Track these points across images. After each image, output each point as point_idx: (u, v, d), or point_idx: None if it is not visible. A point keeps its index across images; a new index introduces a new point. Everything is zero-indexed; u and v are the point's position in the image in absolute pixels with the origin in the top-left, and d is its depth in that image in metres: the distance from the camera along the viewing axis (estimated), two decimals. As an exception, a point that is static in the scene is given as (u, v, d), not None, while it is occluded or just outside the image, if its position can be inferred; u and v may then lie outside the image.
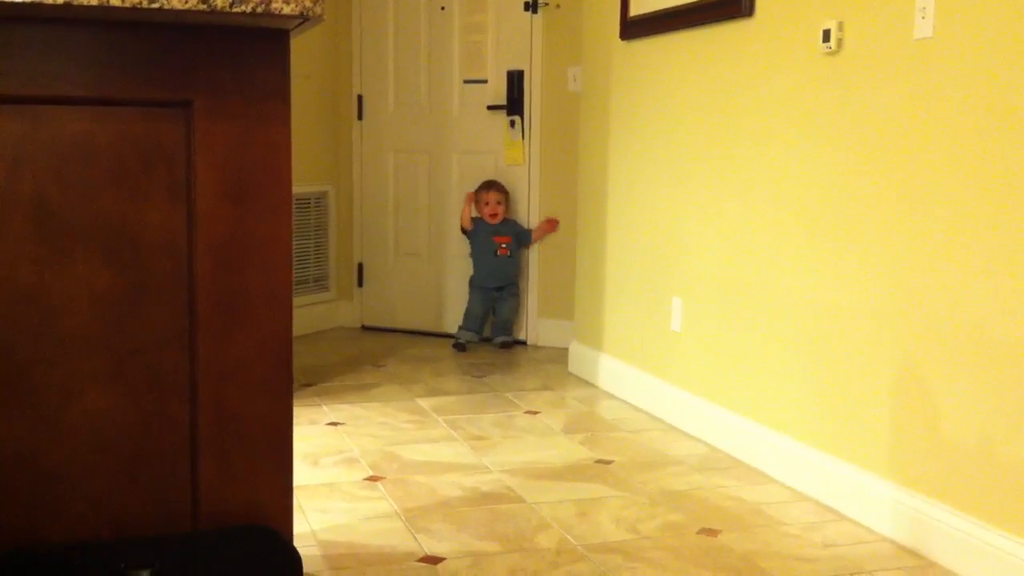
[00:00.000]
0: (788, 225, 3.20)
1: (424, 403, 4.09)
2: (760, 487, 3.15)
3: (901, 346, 2.74)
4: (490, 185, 5.22)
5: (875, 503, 2.81)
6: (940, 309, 2.61)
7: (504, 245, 5.18)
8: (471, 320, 5.20)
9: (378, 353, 5.07)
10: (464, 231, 5.27)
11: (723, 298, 3.54)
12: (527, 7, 5.15)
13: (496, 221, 5.17)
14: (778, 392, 3.26)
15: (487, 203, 5.18)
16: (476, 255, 5.23)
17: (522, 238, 5.23)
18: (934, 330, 2.63)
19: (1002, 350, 2.43)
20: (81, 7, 1.51)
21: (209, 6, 1.55)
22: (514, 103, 5.21)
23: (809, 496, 3.07)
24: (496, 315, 5.25)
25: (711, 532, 2.78)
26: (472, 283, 5.25)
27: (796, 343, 3.17)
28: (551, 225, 5.19)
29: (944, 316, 2.60)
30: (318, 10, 1.60)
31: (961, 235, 2.54)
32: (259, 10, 1.57)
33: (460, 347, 5.13)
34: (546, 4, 5.12)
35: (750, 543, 2.71)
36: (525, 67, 5.19)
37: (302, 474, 3.17)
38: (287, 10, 1.58)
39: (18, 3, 1.49)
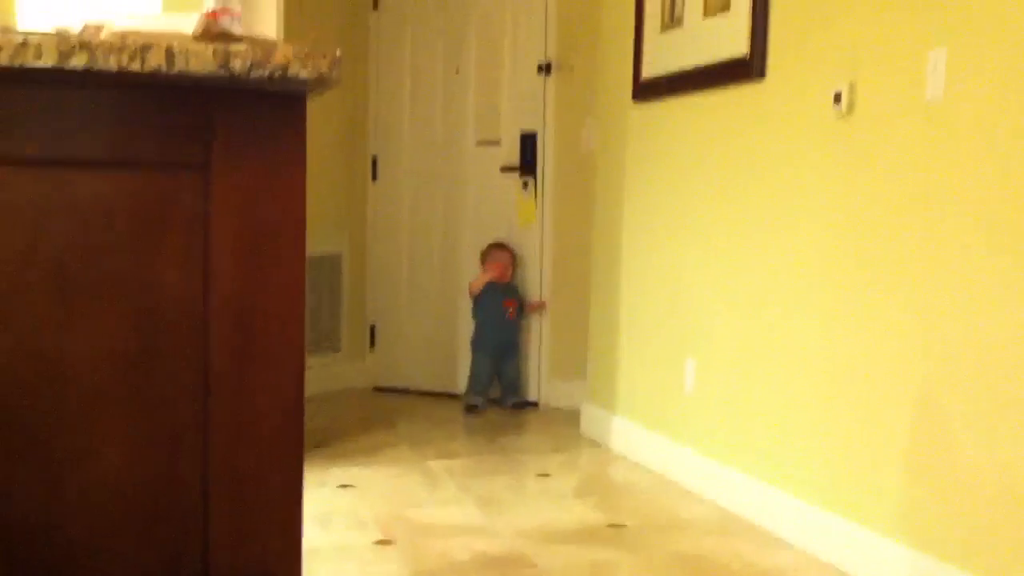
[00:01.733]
0: (802, 286, 3.19)
1: (435, 465, 4.07)
2: (775, 551, 3.11)
3: (918, 408, 2.72)
4: (502, 247, 5.24)
5: (893, 569, 2.77)
6: (958, 370, 2.59)
7: (511, 309, 5.19)
8: (480, 383, 5.17)
9: (389, 414, 5.05)
10: (473, 295, 5.25)
11: (737, 360, 3.53)
12: (540, 69, 5.20)
13: (505, 282, 5.19)
14: (793, 455, 3.23)
15: (497, 266, 5.19)
16: (484, 317, 5.21)
17: (523, 305, 5.27)
18: (952, 390, 2.61)
19: (1022, 411, 2.41)
20: (101, 72, 1.54)
21: (228, 71, 1.57)
22: (527, 164, 5.24)
23: (824, 561, 3.02)
24: (503, 377, 5.23)
25: (726, 598, 2.74)
26: (477, 346, 5.21)
27: (810, 406, 3.14)
28: (540, 306, 5.25)
29: (962, 376, 2.58)
30: (334, 74, 1.62)
31: (977, 294, 2.53)
32: (276, 74, 1.59)
33: (473, 409, 5.10)
34: (559, 66, 5.17)
35: (766, 609, 2.67)
36: (539, 128, 5.23)
37: (312, 536, 3.15)
38: (304, 74, 1.60)
39: (39, 68, 1.51)
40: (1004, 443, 2.45)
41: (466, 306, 5.40)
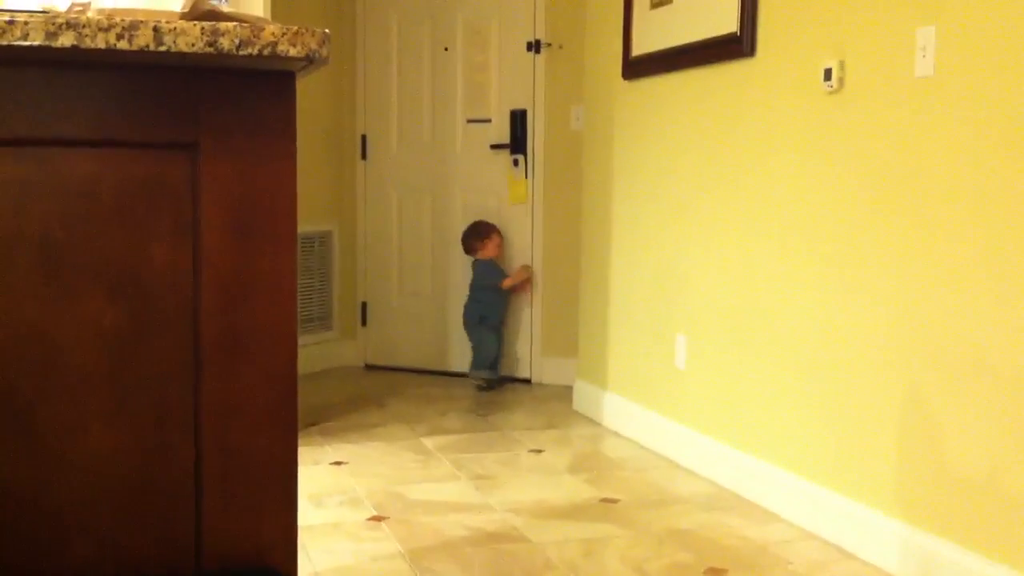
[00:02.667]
0: (791, 262, 3.20)
1: (428, 442, 4.08)
2: (766, 525, 3.14)
3: (908, 382, 2.73)
4: (494, 225, 5.25)
5: (882, 541, 2.79)
6: (946, 343, 2.60)
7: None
8: (490, 358, 5.18)
9: (382, 392, 5.06)
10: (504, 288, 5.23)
11: (727, 335, 3.54)
12: (530, 47, 5.19)
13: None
14: (784, 430, 3.24)
15: (497, 244, 5.21)
16: (502, 297, 5.21)
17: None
18: (941, 365, 2.62)
19: (1010, 384, 2.42)
20: (88, 50, 1.53)
21: (216, 49, 1.56)
22: (517, 142, 5.23)
23: (815, 534, 3.05)
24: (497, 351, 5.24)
25: (718, 572, 2.76)
26: (491, 324, 5.19)
27: (801, 380, 3.16)
28: (528, 273, 5.26)
29: (950, 350, 2.59)
30: (324, 52, 1.62)
31: (965, 269, 2.54)
32: (265, 52, 1.58)
33: (493, 384, 5.12)
34: (548, 44, 5.16)
35: (757, 582, 2.69)
36: (528, 106, 5.22)
37: (306, 514, 3.16)
38: (293, 52, 1.60)
39: (26, 46, 1.51)
40: (989, 416, 2.47)
41: (457, 284, 5.40)
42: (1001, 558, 2.44)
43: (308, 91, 5.33)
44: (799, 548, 2.95)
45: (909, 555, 2.70)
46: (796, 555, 2.89)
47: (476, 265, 5.24)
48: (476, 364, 5.19)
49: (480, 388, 5.12)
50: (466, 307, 5.26)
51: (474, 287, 5.25)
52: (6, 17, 1.49)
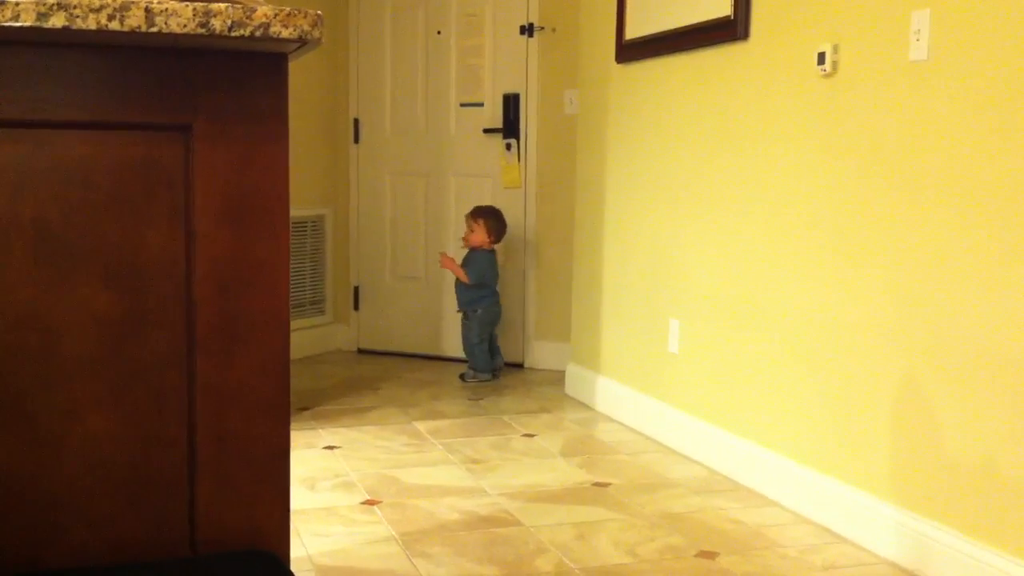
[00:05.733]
0: (785, 246, 3.20)
1: (421, 426, 4.08)
2: (759, 509, 3.14)
3: (902, 366, 2.74)
4: None
5: (876, 525, 2.80)
6: (942, 328, 2.61)
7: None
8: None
9: (375, 376, 5.05)
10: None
11: (720, 320, 3.54)
12: (523, 31, 5.17)
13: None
14: (777, 414, 3.25)
15: None
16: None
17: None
18: (936, 349, 2.63)
19: (1005, 370, 2.43)
20: (79, 31, 1.52)
21: (208, 30, 1.55)
22: (510, 126, 5.22)
23: (809, 518, 3.06)
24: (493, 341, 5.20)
25: (710, 555, 2.77)
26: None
27: (795, 364, 3.16)
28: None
29: (945, 335, 2.60)
30: (316, 34, 1.61)
31: (961, 253, 2.54)
32: (258, 34, 1.57)
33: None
34: (542, 28, 5.14)
35: (749, 566, 2.70)
36: (521, 90, 5.20)
37: (299, 498, 3.16)
38: (286, 34, 1.59)
39: (17, 27, 1.49)
40: (984, 401, 2.47)
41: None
42: (995, 543, 2.45)
43: (301, 74, 5.31)
44: (792, 532, 2.96)
45: (903, 540, 2.71)
46: (789, 539, 2.90)
47: (493, 256, 5.08)
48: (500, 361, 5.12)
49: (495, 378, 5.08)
50: (497, 303, 5.11)
51: (495, 279, 5.09)
52: (-4, -2, 1.48)
